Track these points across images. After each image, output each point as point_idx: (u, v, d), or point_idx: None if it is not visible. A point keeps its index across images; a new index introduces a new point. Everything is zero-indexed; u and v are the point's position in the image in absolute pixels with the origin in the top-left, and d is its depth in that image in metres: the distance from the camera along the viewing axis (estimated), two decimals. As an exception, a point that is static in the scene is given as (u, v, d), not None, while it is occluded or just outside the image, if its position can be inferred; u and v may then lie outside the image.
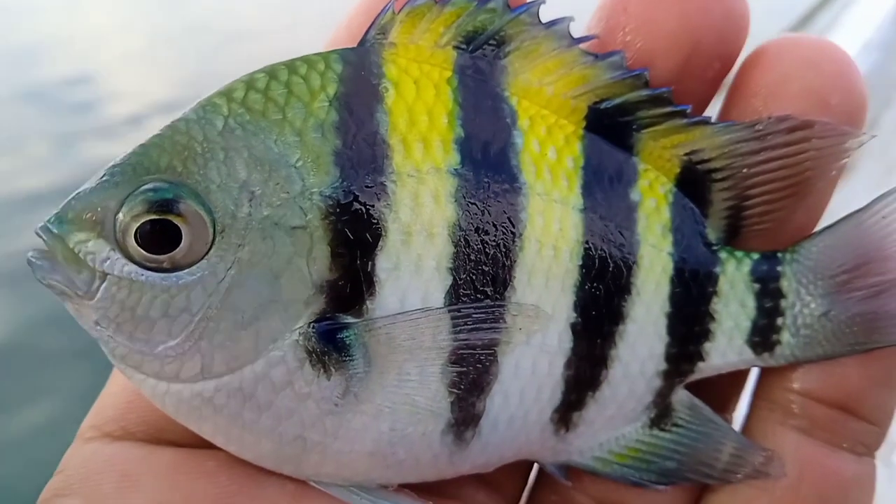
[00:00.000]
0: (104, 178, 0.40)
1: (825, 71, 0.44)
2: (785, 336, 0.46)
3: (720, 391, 0.49)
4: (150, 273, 0.39)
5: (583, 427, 0.46)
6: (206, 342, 0.40)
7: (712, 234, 0.47)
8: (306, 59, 0.42)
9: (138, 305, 0.40)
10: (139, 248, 0.39)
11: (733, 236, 0.47)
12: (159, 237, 0.39)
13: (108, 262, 0.40)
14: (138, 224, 0.39)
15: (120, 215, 0.39)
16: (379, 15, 0.43)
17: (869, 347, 0.45)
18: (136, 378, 0.42)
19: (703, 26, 0.43)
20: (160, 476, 0.43)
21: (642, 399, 0.47)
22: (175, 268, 0.39)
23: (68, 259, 0.40)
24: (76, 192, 0.41)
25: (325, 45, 0.46)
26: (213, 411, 0.41)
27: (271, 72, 0.42)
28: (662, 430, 0.48)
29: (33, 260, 0.40)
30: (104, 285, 0.40)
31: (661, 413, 0.47)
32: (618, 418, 0.47)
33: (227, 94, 0.41)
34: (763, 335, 0.47)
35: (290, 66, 0.42)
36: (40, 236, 0.40)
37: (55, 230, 0.40)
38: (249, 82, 0.42)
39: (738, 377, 0.49)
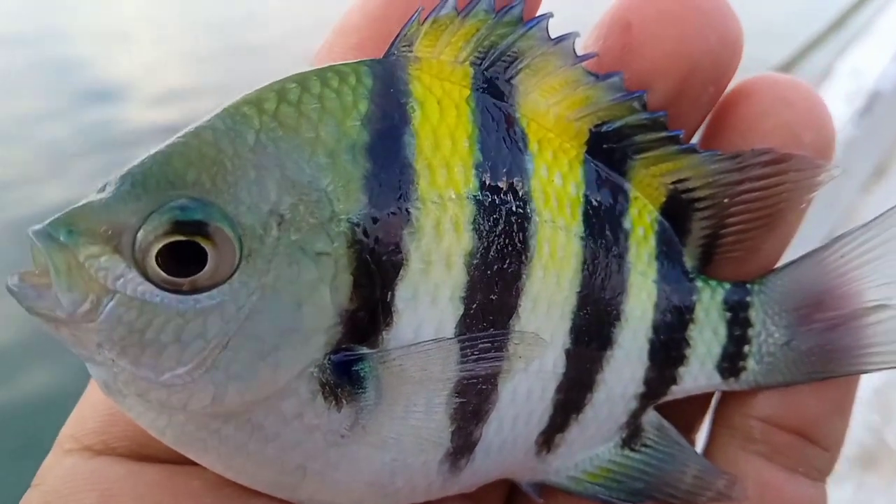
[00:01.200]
0: (123, 188, 0.37)
1: (798, 109, 0.46)
2: (750, 363, 0.49)
3: (686, 414, 0.51)
4: (166, 294, 0.36)
5: (563, 448, 0.47)
6: (221, 372, 0.37)
7: (689, 262, 0.49)
8: (337, 71, 0.40)
9: (148, 328, 0.36)
10: (159, 270, 0.36)
11: (706, 264, 0.49)
12: (183, 259, 0.36)
13: (122, 280, 0.36)
14: (162, 244, 0.36)
15: (142, 233, 0.36)
16: (406, 25, 0.41)
17: (824, 376, 0.48)
18: (136, 410, 0.39)
19: (699, 50, 0.44)
20: (143, 496, 0.41)
21: (618, 420, 0.48)
22: (194, 290, 0.36)
23: (63, 274, 0.36)
24: (87, 199, 0.37)
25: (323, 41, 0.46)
26: (219, 442, 0.39)
27: (302, 82, 0.40)
28: (633, 450, 0.49)
29: (15, 288, 0.36)
30: (111, 305, 0.36)
31: (632, 433, 0.49)
32: (595, 439, 0.48)
33: (257, 104, 0.39)
34: (731, 361, 0.49)
35: (322, 77, 0.40)
36: (37, 243, 0.36)
37: (64, 239, 0.36)
38: (281, 93, 0.39)
39: (704, 401, 0.52)
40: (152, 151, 0.38)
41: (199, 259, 0.36)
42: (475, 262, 0.40)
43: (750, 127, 0.46)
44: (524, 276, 0.42)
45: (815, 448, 0.49)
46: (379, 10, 0.44)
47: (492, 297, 0.41)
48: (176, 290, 0.36)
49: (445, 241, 0.40)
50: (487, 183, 0.41)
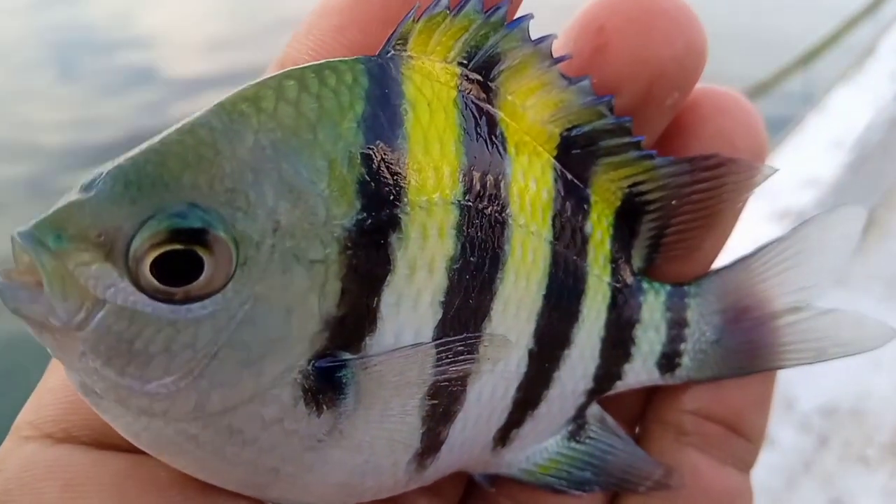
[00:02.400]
0: (116, 189, 0.35)
1: (733, 116, 0.50)
2: (685, 359, 0.52)
3: (628, 408, 0.55)
4: (158, 304, 0.35)
5: (516, 443, 0.49)
6: (206, 381, 0.36)
7: (635, 264, 0.51)
8: (334, 69, 0.39)
9: (137, 339, 0.35)
10: (152, 279, 0.34)
11: (649, 265, 0.51)
12: (178, 269, 0.35)
13: (113, 290, 0.35)
14: (158, 253, 0.34)
15: (137, 240, 0.34)
16: (402, 22, 0.41)
17: (749, 371, 0.52)
18: (112, 413, 0.38)
19: (666, 56, 0.46)
20: (107, 487, 0.40)
21: (567, 414, 0.50)
22: (187, 300, 0.35)
23: (56, 282, 0.34)
24: (74, 199, 0.35)
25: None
26: (195, 446, 0.38)
27: (301, 79, 0.39)
28: (578, 441, 0.51)
29: (3, 288, 0.35)
30: (101, 315, 0.35)
31: (578, 426, 0.51)
32: (545, 433, 0.50)
33: (255, 101, 0.37)
34: (668, 358, 0.52)
35: (319, 74, 0.39)
36: (22, 248, 0.34)
37: (53, 245, 0.34)
38: (279, 90, 0.38)
39: (643, 396, 0.55)
40: (144, 147, 0.36)
41: (193, 267, 0.35)
42: (456, 266, 0.41)
43: (692, 133, 0.50)
44: (498, 280, 0.43)
45: (741, 440, 0.52)
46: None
47: (469, 300, 0.42)
48: (168, 300, 0.35)
49: (430, 246, 0.40)
50: (471, 187, 0.41)
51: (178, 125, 0.37)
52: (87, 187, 0.35)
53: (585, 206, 0.47)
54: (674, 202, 0.48)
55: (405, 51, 0.41)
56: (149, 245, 0.34)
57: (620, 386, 0.52)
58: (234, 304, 0.36)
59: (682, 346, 0.52)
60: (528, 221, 0.44)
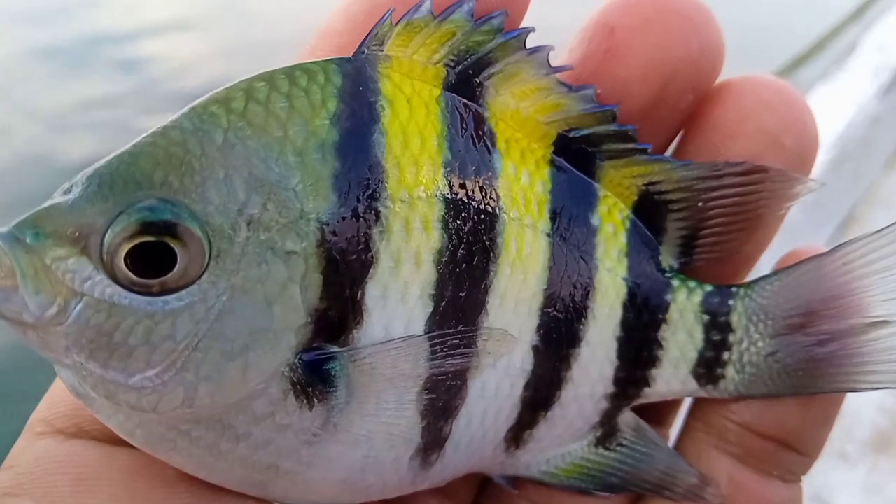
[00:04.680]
0: (90, 189, 0.36)
1: (781, 113, 0.46)
2: (730, 371, 0.47)
3: (659, 407, 0.51)
4: (134, 296, 0.36)
5: (532, 444, 0.47)
6: (191, 374, 0.37)
7: (666, 261, 0.48)
8: (306, 70, 0.40)
9: (117, 331, 0.36)
10: (127, 272, 0.36)
11: (687, 264, 0.48)
12: (152, 261, 0.36)
13: (90, 283, 0.36)
14: (130, 246, 0.36)
15: (109, 234, 0.36)
16: (377, 24, 0.41)
17: (811, 392, 0.46)
18: (105, 412, 0.39)
19: (680, 57, 0.44)
20: (117, 481, 0.41)
21: (589, 419, 0.48)
22: (163, 292, 0.36)
23: (30, 277, 0.35)
24: (52, 201, 0.37)
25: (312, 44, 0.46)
26: (189, 443, 0.39)
27: (271, 81, 0.39)
28: (607, 448, 0.49)
29: None
30: (79, 308, 0.36)
31: (606, 433, 0.49)
32: (565, 436, 0.48)
33: (225, 102, 0.39)
34: (708, 367, 0.47)
35: (290, 76, 0.40)
36: (2, 246, 0.36)
37: (30, 241, 0.36)
38: (249, 91, 0.39)
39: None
40: (119, 151, 0.38)
41: (167, 260, 0.36)
42: (444, 259, 0.40)
43: (731, 130, 0.46)
44: (492, 274, 0.42)
45: (792, 454, 0.47)
46: (362, 15, 0.44)
47: (461, 294, 0.41)
48: (145, 292, 0.36)
49: (414, 239, 0.40)
50: (456, 181, 0.41)
51: (152, 129, 0.38)
52: (65, 191, 0.37)
53: (592, 200, 0.46)
54: (699, 203, 0.46)
55: (381, 51, 0.41)
56: (121, 238, 0.36)
57: (651, 394, 0.48)
58: (211, 296, 0.37)
59: (726, 355, 0.47)
60: (522, 214, 0.43)
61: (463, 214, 0.41)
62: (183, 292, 0.36)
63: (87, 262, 0.36)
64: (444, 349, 0.40)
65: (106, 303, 0.36)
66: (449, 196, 0.41)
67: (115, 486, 0.41)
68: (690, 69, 0.45)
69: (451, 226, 0.41)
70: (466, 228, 0.41)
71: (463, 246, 0.41)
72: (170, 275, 0.36)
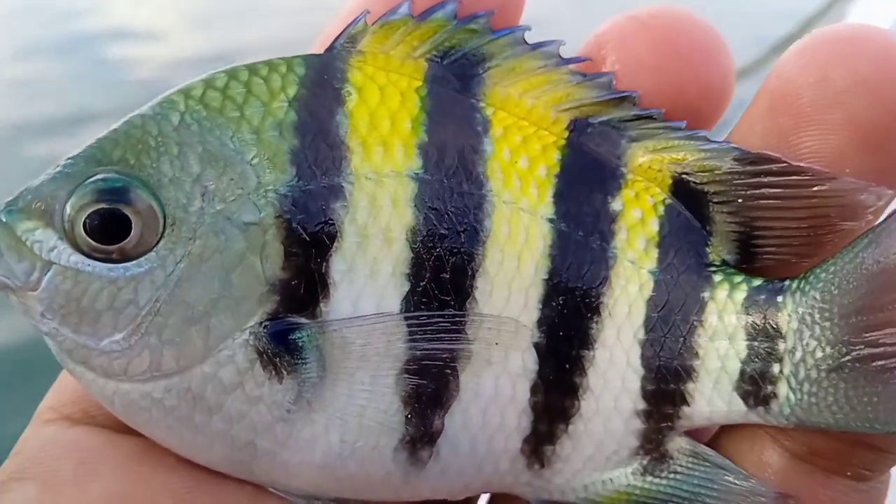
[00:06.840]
0: (57, 170, 0.41)
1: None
2: (782, 389, 0.39)
3: None
4: (97, 263, 0.40)
5: (559, 464, 0.43)
6: (155, 337, 0.40)
7: (716, 254, 0.42)
8: (268, 63, 0.43)
9: (84, 296, 0.40)
10: (87, 238, 0.39)
11: (747, 261, 0.42)
12: (109, 227, 0.39)
13: (55, 251, 0.40)
14: (87, 213, 0.39)
15: (69, 205, 0.40)
16: (350, 25, 0.43)
17: (892, 430, 0.35)
18: (86, 378, 0.42)
19: (687, 86, 0.42)
20: (120, 466, 0.43)
21: (625, 441, 0.43)
22: (124, 259, 0.40)
23: (11, 248, 0.40)
24: (29, 183, 0.41)
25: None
26: (164, 413, 0.41)
27: (232, 72, 0.42)
28: (658, 476, 0.43)
29: None
30: (49, 275, 0.40)
31: (655, 460, 0.43)
32: (599, 459, 0.43)
33: (185, 91, 0.42)
34: (755, 384, 0.40)
35: (252, 67, 0.43)
36: None
37: (4, 218, 0.40)
38: (209, 81, 0.42)
39: None
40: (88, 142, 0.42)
41: (126, 229, 0.39)
42: (420, 238, 0.40)
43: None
44: (478, 258, 0.41)
45: (869, 451, 0.38)
46: (381, 4, 0.44)
47: (442, 275, 0.41)
48: (107, 259, 0.40)
49: (383, 216, 0.40)
50: (433, 162, 0.41)
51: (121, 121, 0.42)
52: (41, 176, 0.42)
53: (611, 183, 0.42)
54: (739, 201, 0.41)
55: (354, 48, 0.43)
56: (79, 206, 0.40)
57: (696, 415, 0.41)
58: (170, 262, 0.40)
59: (776, 369, 0.39)
60: (516, 198, 0.42)
61: (441, 195, 0.41)
62: (142, 259, 0.40)
63: (52, 232, 0.40)
64: (427, 331, 0.40)
65: (72, 269, 0.40)
66: (424, 176, 0.41)
67: (118, 471, 0.43)
68: (698, 96, 0.42)
69: (426, 205, 0.41)
70: (445, 210, 0.41)
71: (443, 226, 0.41)
72: (126, 240, 0.39)
